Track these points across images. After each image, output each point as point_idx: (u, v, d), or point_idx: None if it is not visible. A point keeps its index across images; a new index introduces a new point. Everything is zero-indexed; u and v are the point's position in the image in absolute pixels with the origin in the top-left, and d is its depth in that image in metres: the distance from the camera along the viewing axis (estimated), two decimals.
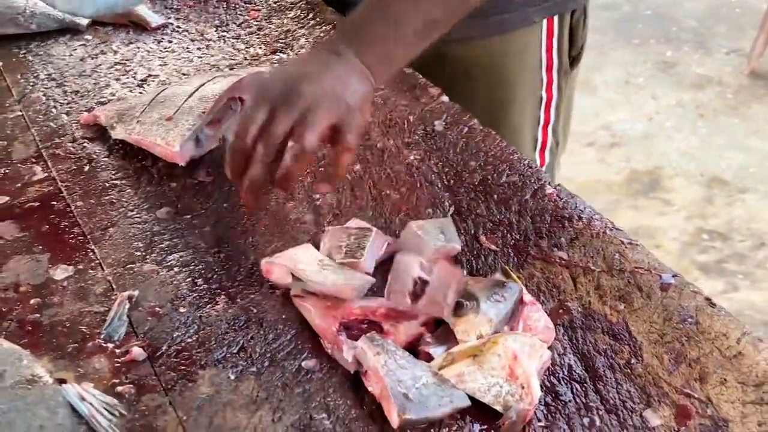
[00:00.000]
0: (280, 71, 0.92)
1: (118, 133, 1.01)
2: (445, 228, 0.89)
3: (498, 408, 0.72)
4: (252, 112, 0.82)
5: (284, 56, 1.23)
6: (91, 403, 0.71)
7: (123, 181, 0.97)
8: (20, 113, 1.09)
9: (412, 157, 1.01)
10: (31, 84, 1.15)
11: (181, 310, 0.80)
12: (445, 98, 1.11)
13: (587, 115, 3.41)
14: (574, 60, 1.32)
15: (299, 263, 0.84)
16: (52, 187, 0.96)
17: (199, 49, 1.26)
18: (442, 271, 0.82)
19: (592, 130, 3.34)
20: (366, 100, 0.86)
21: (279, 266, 0.84)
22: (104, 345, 0.77)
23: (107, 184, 0.96)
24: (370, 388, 0.73)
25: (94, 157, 1.00)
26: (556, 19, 1.25)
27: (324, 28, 1.28)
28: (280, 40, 1.27)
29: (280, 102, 0.81)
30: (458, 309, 0.78)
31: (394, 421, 0.70)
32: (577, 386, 0.75)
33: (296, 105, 0.80)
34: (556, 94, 1.31)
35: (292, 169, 0.81)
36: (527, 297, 0.81)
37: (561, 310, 0.82)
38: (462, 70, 1.26)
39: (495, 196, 0.95)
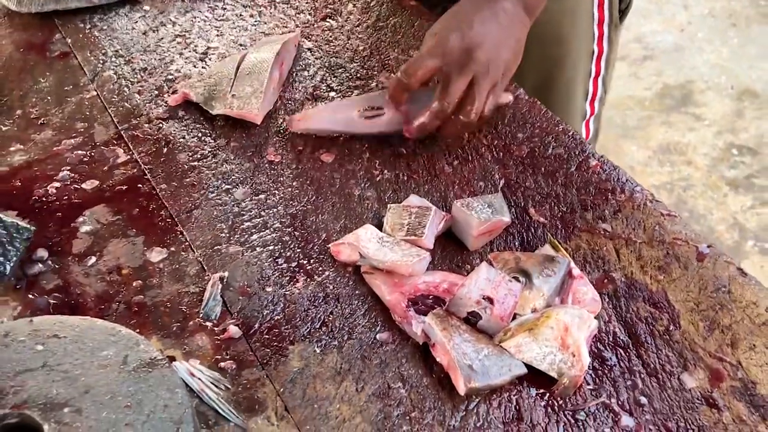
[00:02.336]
0: (456, 27, 1.01)
1: (217, 109, 1.10)
2: (494, 202, 0.97)
3: (552, 374, 0.82)
4: (426, 60, 1.00)
5: (333, 23, 1.29)
6: (200, 379, 0.82)
7: (200, 162, 1.06)
8: (95, 93, 1.17)
9: None
10: (101, 62, 1.23)
11: (268, 289, 0.90)
12: None
13: None
14: (622, 13, 1.37)
15: (362, 241, 0.93)
16: (135, 170, 1.05)
17: (251, 16, 1.32)
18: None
19: (624, 43, 3.34)
20: (521, 50, 1.04)
21: (346, 246, 0.93)
22: (204, 324, 0.87)
23: (186, 167, 1.05)
24: (438, 359, 0.84)
25: (171, 138, 1.09)
26: None
27: None
28: (329, 6, 1.33)
29: (455, 65, 0.99)
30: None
31: (461, 389, 0.80)
32: (621, 352, 0.85)
33: (468, 71, 0.98)
34: (607, 47, 1.38)
35: (461, 129, 1.03)
36: (575, 271, 0.90)
37: (606, 280, 0.91)
38: None
39: (542, 168, 1.03)
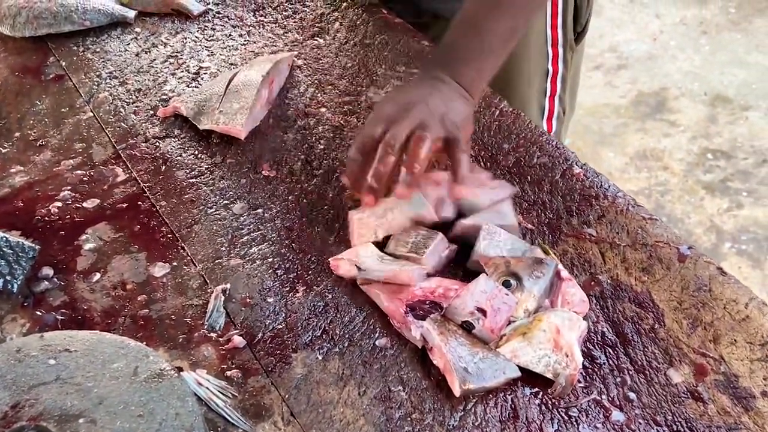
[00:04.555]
0: (392, 97, 1.04)
1: (204, 124, 1.14)
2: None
3: (549, 376, 0.86)
4: (369, 130, 0.97)
5: (321, 41, 1.33)
6: (207, 388, 0.85)
7: (197, 179, 1.09)
8: (92, 114, 1.20)
9: None
10: (96, 84, 1.26)
11: (269, 299, 0.94)
12: None
13: (594, 37, 3.48)
14: (578, 35, 1.42)
15: (361, 257, 0.97)
16: (135, 188, 1.08)
17: (240, 36, 1.36)
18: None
19: (599, 53, 3.42)
20: (468, 118, 1.01)
21: (344, 261, 0.97)
22: (208, 335, 0.90)
23: (184, 183, 1.08)
24: (435, 362, 0.87)
25: (168, 156, 1.12)
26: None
27: (356, 10, 1.38)
28: (316, 25, 1.37)
29: (394, 122, 0.95)
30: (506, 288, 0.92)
31: (457, 390, 0.84)
32: (610, 350, 0.89)
33: (408, 123, 0.94)
34: (562, 67, 1.43)
35: (414, 179, 0.97)
36: (564, 273, 0.94)
37: (593, 283, 0.95)
38: None
39: (528, 177, 1.07)
